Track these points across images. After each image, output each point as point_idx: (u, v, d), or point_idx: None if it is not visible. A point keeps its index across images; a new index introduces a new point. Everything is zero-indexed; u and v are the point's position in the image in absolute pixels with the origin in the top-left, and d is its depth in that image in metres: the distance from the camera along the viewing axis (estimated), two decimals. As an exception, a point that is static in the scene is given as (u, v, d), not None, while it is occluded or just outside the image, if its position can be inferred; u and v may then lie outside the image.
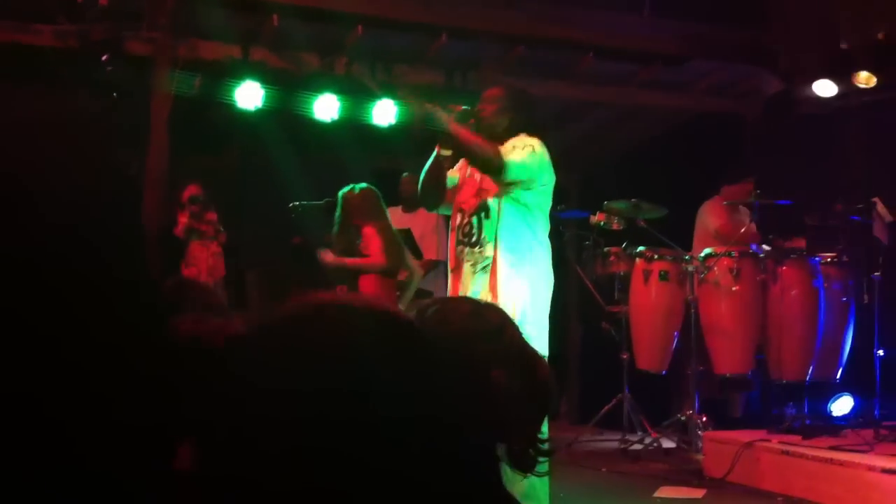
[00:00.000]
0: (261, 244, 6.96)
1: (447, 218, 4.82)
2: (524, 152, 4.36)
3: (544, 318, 4.39)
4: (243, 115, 7.19)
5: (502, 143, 4.43)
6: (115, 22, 6.75)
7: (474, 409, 0.97)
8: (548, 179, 4.46)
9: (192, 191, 7.30)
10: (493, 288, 4.33)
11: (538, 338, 4.35)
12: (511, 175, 4.34)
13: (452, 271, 4.54)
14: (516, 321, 4.33)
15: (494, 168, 4.33)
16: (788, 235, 6.76)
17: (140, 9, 6.82)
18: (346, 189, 6.62)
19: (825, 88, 7.71)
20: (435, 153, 4.52)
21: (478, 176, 4.49)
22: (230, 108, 7.12)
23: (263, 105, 7.11)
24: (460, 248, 4.50)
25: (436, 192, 4.60)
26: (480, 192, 4.45)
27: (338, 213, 6.61)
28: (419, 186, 4.63)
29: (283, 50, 7.25)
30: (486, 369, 1.35)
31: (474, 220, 4.44)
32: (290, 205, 6.90)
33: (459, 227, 4.52)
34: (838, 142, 7.39)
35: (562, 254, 6.27)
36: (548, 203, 4.49)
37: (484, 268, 4.37)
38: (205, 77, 7.10)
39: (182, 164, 6.86)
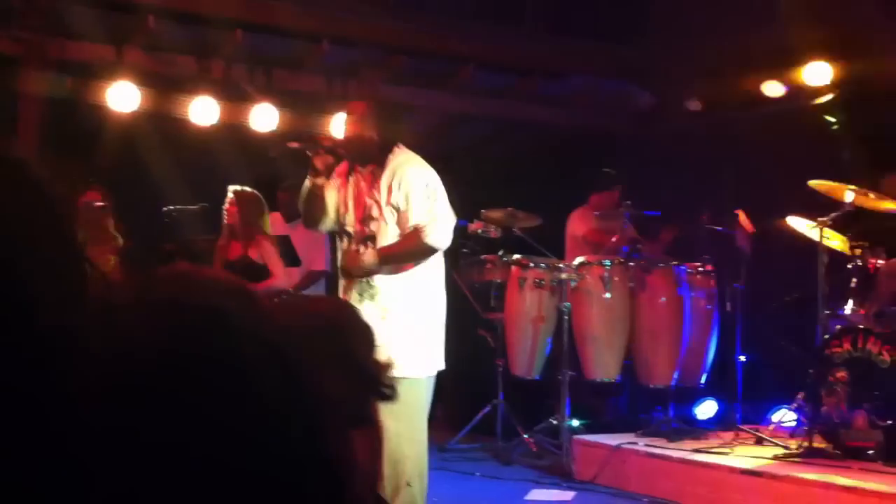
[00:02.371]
0: (134, 250, 6.82)
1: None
2: (427, 199, 4.29)
3: (440, 335, 4.39)
4: (117, 118, 7.04)
5: (382, 164, 4.36)
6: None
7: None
8: (445, 200, 4.42)
9: (89, 197, 7.12)
10: (382, 316, 4.27)
11: (434, 355, 4.37)
12: (440, 238, 4.32)
13: (343, 292, 4.47)
14: (409, 348, 4.33)
15: (431, 253, 4.33)
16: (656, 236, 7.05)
17: (9, 7, 6.62)
18: (237, 188, 6.54)
19: (694, 105, 8.01)
20: (308, 183, 4.42)
21: (369, 200, 4.38)
22: (103, 109, 6.96)
23: (138, 107, 6.98)
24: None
25: (318, 216, 4.50)
26: (367, 220, 4.37)
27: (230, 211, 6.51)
28: (301, 212, 4.55)
29: (159, 52, 7.15)
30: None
31: (360, 248, 4.38)
32: (164, 209, 6.79)
33: (345, 252, 4.45)
34: (704, 156, 7.66)
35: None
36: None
37: (371, 296, 4.34)
38: (76, 78, 6.94)
39: (52, 167, 6.68)
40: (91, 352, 0.85)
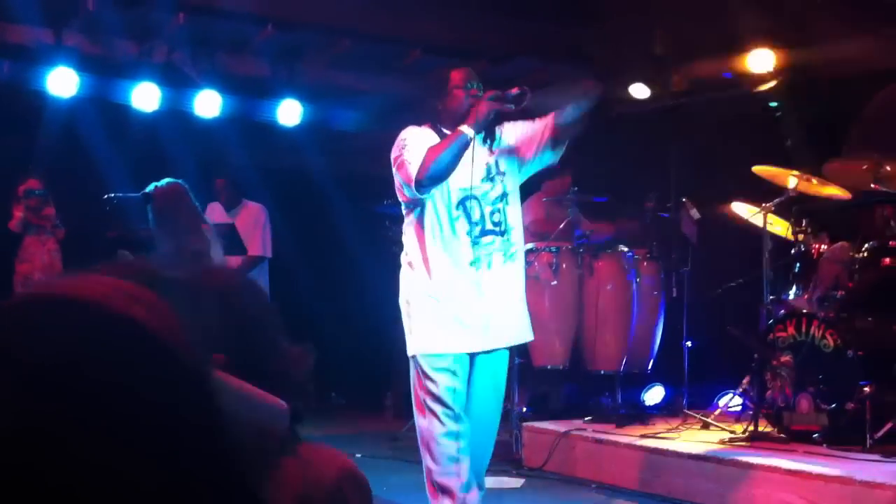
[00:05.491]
0: (75, 238, 6.69)
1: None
2: None
3: None
4: (57, 103, 6.87)
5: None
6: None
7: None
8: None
9: (30, 184, 6.94)
10: (518, 276, 4.28)
11: None
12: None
13: (470, 266, 4.16)
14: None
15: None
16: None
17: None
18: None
19: (639, 91, 8.03)
20: (469, 134, 4.04)
21: (491, 158, 4.23)
22: (42, 95, 6.80)
23: (78, 92, 6.83)
24: (489, 237, 4.19)
25: (450, 174, 4.14)
26: (498, 178, 4.23)
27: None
28: (441, 167, 4.05)
29: (99, 35, 6.99)
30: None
31: (500, 206, 4.22)
32: (105, 196, 6.64)
33: (483, 217, 4.19)
34: (651, 142, 7.70)
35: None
36: None
37: (511, 255, 4.23)
38: (14, 62, 6.77)
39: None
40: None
